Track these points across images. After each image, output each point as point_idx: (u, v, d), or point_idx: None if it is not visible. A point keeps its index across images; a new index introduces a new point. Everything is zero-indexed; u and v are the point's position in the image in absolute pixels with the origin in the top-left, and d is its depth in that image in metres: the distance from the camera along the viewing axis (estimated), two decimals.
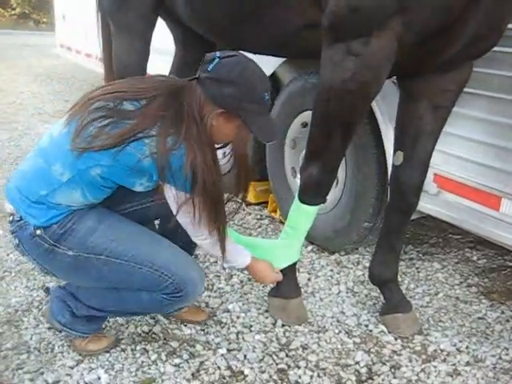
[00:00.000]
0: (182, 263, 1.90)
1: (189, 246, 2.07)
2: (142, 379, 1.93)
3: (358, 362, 2.07)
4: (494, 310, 2.47)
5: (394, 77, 2.18)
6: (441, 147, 2.37)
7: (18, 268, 2.68)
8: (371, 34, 1.72)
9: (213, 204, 1.76)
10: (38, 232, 1.82)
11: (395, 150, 2.17)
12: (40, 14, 21.01)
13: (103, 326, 2.14)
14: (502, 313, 2.44)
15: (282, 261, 2.24)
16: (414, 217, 2.59)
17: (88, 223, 1.83)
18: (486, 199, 2.29)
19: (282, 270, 2.27)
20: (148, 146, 1.65)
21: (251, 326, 2.27)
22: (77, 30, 7.13)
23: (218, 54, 1.70)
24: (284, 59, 3.11)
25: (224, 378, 1.95)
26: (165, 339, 2.14)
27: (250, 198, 3.27)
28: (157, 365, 2.00)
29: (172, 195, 1.76)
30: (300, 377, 1.97)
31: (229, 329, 2.24)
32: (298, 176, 3.00)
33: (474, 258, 3.00)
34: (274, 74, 3.36)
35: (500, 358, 2.12)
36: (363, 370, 2.03)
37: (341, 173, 2.82)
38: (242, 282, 2.62)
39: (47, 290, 2.23)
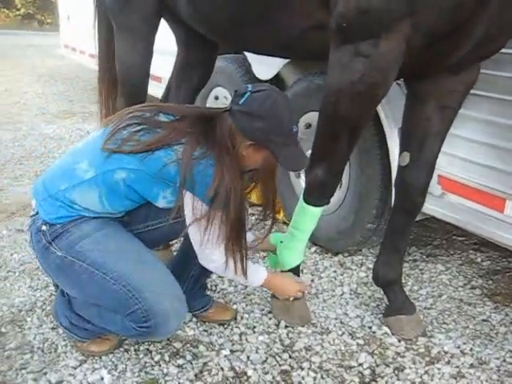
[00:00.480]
0: (159, 291, 1.80)
1: (203, 272, 2.13)
2: (145, 380, 1.93)
3: (361, 364, 2.06)
4: (498, 312, 2.46)
5: (399, 79, 2.17)
6: (445, 149, 2.36)
7: (22, 268, 2.69)
8: (380, 35, 1.71)
9: (233, 225, 1.77)
10: (44, 228, 1.84)
11: (401, 151, 2.16)
12: (44, 15, 21.09)
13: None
14: (506, 315, 2.43)
15: (286, 262, 2.24)
16: (417, 218, 2.58)
17: (85, 228, 1.83)
18: (491, 201, 2.28)
19: (283, 272, 2.28)
20: (175, 152, 1.71)
21: (254, 326, 2.27)
22: (81, 30, 7.14)
23: (249, 87, 1.76)
24: (288, 60, 3.11)
25: (227, 379, 1.95)
26: (168, 340, 2.14)
27: (253, 198, 3.27)
28: (160, 365, 2.00)
29: (190, 204, 1.75)
30: (303, 378, 1.97)
31: (232, 330, 2.24)
32: (302, 177, 3.01)
33: (478, 259, 2.99)
34: (278, 75, 3.36)
35: (504, 361, 2.11)
36: (366, 372, 2.02)
37: (345, 174, 2.81)
38: None
39: (57, 285, 2.22)
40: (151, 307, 1.77)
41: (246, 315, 2.35)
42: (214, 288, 2.55)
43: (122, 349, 2.08)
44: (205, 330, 2.23)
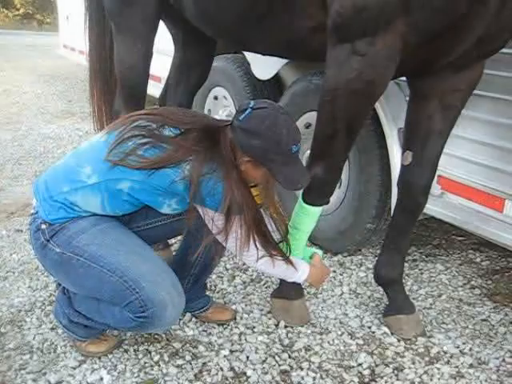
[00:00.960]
0: (156, 281, 1.81)
1: (204, 270, 2.16)
2: (145, 380, 1.93)
3: (360, 364, 2.06)
4: (498, 312, 2.46)
5: (398, 78, 2.17)
6: (445, 149, 2.36)
7: (21, 268, 2.69)
8: (376, 33, 1.72)
9: (255, 228, 1.81)
10: (43, 226, 1.85)
11: (404, 150, 2.16)
12: (43, 15, 21.09)
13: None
14: (506, 315, 2.43)
15: None
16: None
17: (82, 224, 1.84)
18: (490, 201, 2.29)
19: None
20: (183, 170, 1.72)
21: (254, 327, 2.27)
22: (80, 30, 7.12)
23: (251, 103, 1.76)
24: (287, 60, 3.11)
25: (227, 379, 1.95)
26: (167, 340, 2.14)
27: (256, 199, 3.26)
28: (159, 366, 2.00)
29: (207, 217, 1.80)
30: (303, 378, 1.97)
31: (231, 330, 2.24)
32: None
33: (478, 259, 2.99)
34: (277, 75, 3.37)
35: (503, 361, 2.11)
36: (366, 372, 2.02)
37: (344, 174, 2.82)
38: (244, 282, 2.62)
39: (59, 285, 2.21)
40: (148, 297, 1.79)
41: (246, 315, 2.35)
42: (213, 288, 2.55)
43: (121, 349, 2.08)
44: (204, 330, 2.23)
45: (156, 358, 2.04)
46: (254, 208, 1.81)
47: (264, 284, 2.62)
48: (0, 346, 2.09)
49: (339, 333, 2.26)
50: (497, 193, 2.26)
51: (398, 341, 2.21)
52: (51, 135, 5.30)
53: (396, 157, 2.47)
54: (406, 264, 2.74)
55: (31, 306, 2.35)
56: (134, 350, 2.08)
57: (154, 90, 5.04)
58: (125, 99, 2.77)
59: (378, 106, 2.53)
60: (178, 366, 2.00)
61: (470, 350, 2.17)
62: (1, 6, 21.18)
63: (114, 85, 2.90)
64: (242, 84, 3.61)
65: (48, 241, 1.84)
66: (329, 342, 2.19)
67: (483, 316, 2.43)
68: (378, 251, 2.42)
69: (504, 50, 2.12)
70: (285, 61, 3.14)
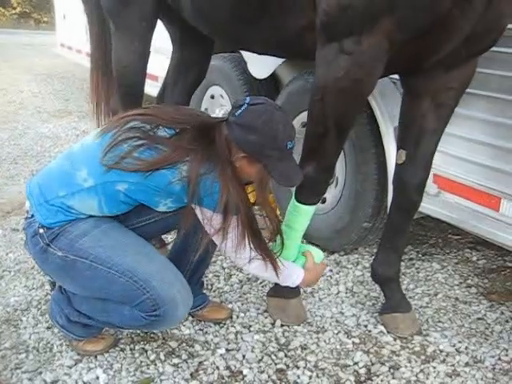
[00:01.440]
0: (165, 279, 1.83)
1: (200, 264, 2.16)
2: (141, 379, 1.93)
3: (356, 363, 2.06)
4: (494, 310, 2.46)
5: (394, 76, 2.18)
6: (440, 147, 2.36)
7: (18, 267, 2.68)
8: (362, 32, 1.74)
9: (248, 228, 1.80)
10: (41, 231, 1.84)
11: (398, 149, 2.16)
12: (41, 14, 21.03)
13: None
14: (502, 313, 2.44)
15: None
16: (413, 217, 2.59)
17: (82, 226, 1.84)
18: (486, 200, 2.29)
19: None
20: (179, 170, 1.71)
21: (250, 325, 2.27)
22: (77, 29, 7.12)
23: (247, 99, 1.77)
24: (284, 59, 3.11)
25: (223, 378, 1.95)
26: (164, 339, 2.14)
27: (250, 198, 3.26)
28: (155, 365, 2.00)
29: (205, 217, 1.79)
30: (299, 377, 1.97)
31: (228, 329, 2.24)
32: None
33: (474, 258, 2.99)
34: (274, 74, 3.36)
35: (499, 359, 2.12)
36: (362, 371, 2.02)
37: (340, 173, 2.82)
38: (241, 281, 2.62)
39: (53, 285, 2.22)
40: (159, 295, 1.80)
41: (242, 314, 2.35)
42: (209, 287, 2.55)
43: (117, 348, 2.08)
44: (200, 329, 2.23)
45: (152, 357, 2.03)
46: (248, 207, 1.82)
47: (260, 283, 2.61)
48: None
49: (335, 331, 2.26)
50: (493, 192, 2.26)
51: (394, 339, 2.22)
52: (48, 134, 5.29)
53: (392, 155, 2.47)
54: (402, 263, 2.74)
55: (27, 305, 2.35)
56: (130, 349, 2.08)
57: (151, 89, 5.04)
58: (122, 98, 2.77)
59: (374, 104, 2.54)
60: (174, 365, 2.00)
61: (466, 348, 2.17)
62: None
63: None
64: (239, 83, 3.61)
65: (48, 245, 1.83)
66: (325, 341, 2.19)
67: (479, 315, 2.43)
68: (375, 250, 2.42)
69: (501, 49, 2.13)
70: (281, 60, 3.13)
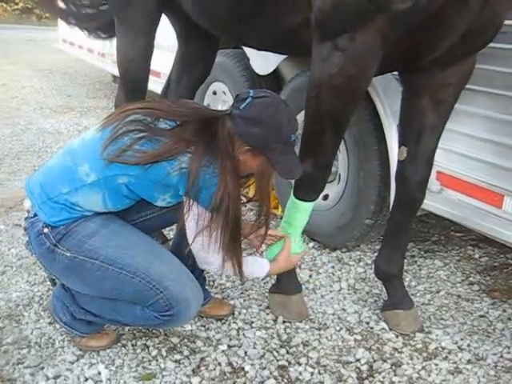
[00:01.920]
0: (178, 279, 1.83)
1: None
2: (143, 375, 1.93)
3: (358, 360, 2.06)
4: (496, 308, 2.46)
5: (386, 73, 2.18)
6: (443, 144, 2.36)
7: (20, 263, 2.68)
8: (355, 29, 1.74)
9: (232, 228, 1.79)
10: (46, 230, 1.82)
11: (399, 146, 2.16)
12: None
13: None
14: (504, 311, 2.43)
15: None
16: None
17: (91, 226, 1.83)
18: (489, 197, 2.28)
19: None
20: (179, 161, 1.70)
21: (252, 322, 2.27)
22: None
23: (251, 93, 1.76)
24: (286, 55, 3.10)
25: (225, 375, 1.95)
26: (165, 335, 2.14)
27: (251, 193, 3.26)
28: (157, 360, 2.00)
29: (194, 213, 1.77)
30: (301, 373, 1.97)
31: (229, 325, 2.24)
32: None
33: (476, 255, 2.99)
34: (276, 70, 3.36)
35: (501, 357, 2.11)
36: (364, 368, 2.02)
37: (343, 169, 2.82)
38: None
39: (53, 281, 2.21)
40: (173, 295, 1.80)
41: (244, 310, 2.34)
42: (211, 283, 2.55)
43: (119, 344, 2.08)
44: (202, 326, 2.22)
45: (154, 353, 2.03)
46: (239, 208, 1.80)
47: (262, 279, 2.61)
48: None
49: (337, 328, 2.26)
50: (496, 189, 2.25)
51: (396, 336, 2.21)
52: (50, 130, 5.29)
53: (395, 152, 2.46)
54: (404, 260, 2.75)
55: (29, 301, 2.35)
56: (132, 345, 2.08)
57: (154, 85, 5.03)
58: (125, 93, 2.77)
59: (376, 100, 2.53)
60: (176, 361, 2.00)
61: (468, 345, 2.17)
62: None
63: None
64: (242, 79, 3.60)
65: (55, 245, 1.82)
66: (327, 338, 2.19)
67: (481, 312, 2.43)
68: (377, 247, 2.42)
69: (505, 46, 2.12)
70: (284, 56, 3.13)
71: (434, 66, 1.95)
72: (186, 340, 2.13)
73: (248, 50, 3.44)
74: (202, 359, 2.02)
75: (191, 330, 2.19)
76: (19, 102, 6.56)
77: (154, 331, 2.16)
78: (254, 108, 1.73)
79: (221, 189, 1.71)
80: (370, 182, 2.66)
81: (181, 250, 2.12)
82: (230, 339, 2.15)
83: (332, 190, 2.91)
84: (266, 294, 2.43)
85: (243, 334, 2.18)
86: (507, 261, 2.93)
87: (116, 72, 5.66)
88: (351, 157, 2.73)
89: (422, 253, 2.99)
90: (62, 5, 3.30)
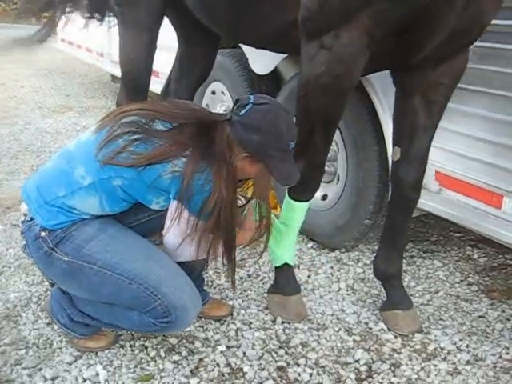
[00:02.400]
0: (176, 285, 1.82)
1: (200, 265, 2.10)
2: (141, 375, 1.92)
3: (357, 360, 2.06)
4: (495, 308, 2.46)
5: (375, 72, 2.19)
6: (442, 144, 2.36)
7: (18, 263, 2.67)
8: (340, 27, 1.75)
9: (225, 238, 1.79)
10: (43, 234, 1.81)
11: (393, 146, 2.17)
12: None
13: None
14: (503, 311, 2.43)
15: (277, 258, 2.28)
16: (414, 214, 2.58)
17: (88, 231, 1.82)
18: (488, 197, 2.28)
19: (277, 268, 2.29)
20: (172, 164, 1.69)
21: (251, 323, 2.26)
22: (78, 24, 7.09)
23: (251, 99, 1.75)
24: (286, 55, 3.09)
25: (223, 375, 1.95)
26: (164, 336, 2.13)
27: (250, 194, 3.25)
28: (155, 361, 1.99)
29: (182, 217, 1.75)
30: (299, 374, 1.97)
31: (228, 326, 2.24)
32: None
33: (475, 256, 2.98)
34: (275, 70, 3.35)
35: (500, 357, 2.11)
36: (363, 368, 2.02)
37: (342, 170, 2.81)
38: (241, 278, 2.61)
39: (51, 282, 2.20)
40: (171, 302, 1.79)
41: (243, 311, 2.34)
42: (210, 284, 2.55)
43: (117, 345, 2.07)
44: (201, 326, 2.22)
45: (152, 354, 2.03)
46: (232, 215, 1.78)
47: (261, 280, 2.61)
48: None
49: (336, 329, 2.25)
50: (495, 189, 2.25)
51: (395, 337, 2.21)
52: (48, 130, 5.27)
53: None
54: (403, 260, 2.74)
55: (27, 301, 2.34)
56: (131, 346, 2.07)
57: (153, 85, 5.01)
58: (127, 91, 2.75)
59: (375, 100, 2.53)
60: (174, 362, 2.00)
61: (467, 346, 2.17)
62: None
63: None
64: (240, 79, 3.59)
65: (53, 249, 1.81)
66: (326, 339, 2.18)
67: (480, 312, 2.42)
68: (376, 247, 2.41)
69: (503, 46, 2.12)
70: (283, 56, 3.12)
71: (424, 65, 1.96)
72: (184, 341, 2.12)
73: (247, 50, 3.43)
74: (201, 360, 2.02)
75: (190, 331, 2.18)
76: (18, 101, 6.54)
77: None
78: (254, 115, 1.71)
79: (214, 196, 1.70)
80: (368, 182, 2.66)
81: None
82: (229, 340, 2.14)
83: (331, 190, 2.91)
84: (265, 295, 2.43)
85: (242, 335, 2.18)
86: (506, 261, 2.93)
87: (115, 71, 5.67)
88: (350, 157, 2.72)
89: (421, 253, 2.99)
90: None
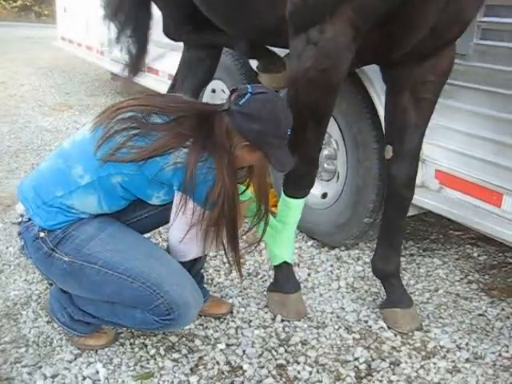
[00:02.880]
0: (178, 283, 1.82)
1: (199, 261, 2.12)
2: (141, 374, 1.92)
3: (357, 358, 2.06)
4: (495, 306, 2.46)
5: (360, 67, 2.20)
6: (442, 143, 2.36)
7: (18, 261, 2.68)
8: (324, 21, 1.76)
9: (229, 227, 1.80)
10: (42, 234, 1.81)
11: (385, 144, 2.17)
12: (41, 7, 20.98)
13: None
14: (503, 310, 2.43)
15: (275, 256, 2.28)
16: (414, 212, 2.58)
17: (88, 230, 1.82)
18: (488, 196, 2.28)
19: (276, 266, 2.29)
20: (173, 156, 1.69)
21: (250, 321, 2.26)
22: (78, 22, 7.11)
23: (249, 88, 1.76)
24: (286, 52, 3.09)
25: (223, 373, 1.95)
26: (164, 334, 2.14)
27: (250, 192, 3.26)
28: (155, 359, 2.00)
29: (187, 208, 1.76)
30: (299, 372, 1.97)
31: (228, 324, 2.24)
32: None
33: (475, 254, 2.98)
34: None
35: (500, 355, 2.11)
36: (362, 366, 2.02)
37: (342, 168, 2.81)
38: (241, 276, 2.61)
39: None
40: (173, 300, 1.79)
41: (242, 309, 2.34)
42: (210, 282, 2.55)
43: (117, 343, 2.07)
44: (200, 324, 2.22)
45: (152, 352, 2.03)
46: (235, 204, 1.79)
47: (261, 278, 2.61)
48: None
49: (336, 327, 2.25)
50: (495, 188, 2.25)
51: (395, 335, 2.21)
52: (49, 128, 5.27)
53: None
54: (403, 258, 2.75)
55: (27, 299, 2.34)
56: (130, 344, 2.07)
57: (153, 82, 5.02)
58: None
59: (375, 98, 2.52)
60: (174, 360, 2.00)
61: (467, 344, 2.17)
62: None
63: None
64: (240, 77, 3.59)
65: (53, 250, 1.80)
66: (325, 337, 2.19)
67: (480, 311, 2.42)
68: (376, 245, 2.41)
69: (504, 44, 2.12)
70: (283, 53, 3.11)
71: (409, 62, 1.97)
72: (184, 339, 2.12)
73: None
74: (201, 358, 2.02)
75: (189, 329, 2.18)
76: (18, 99, 6.54)
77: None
78: (253, 104, 1.73)
79: (218, 184, 1.71)
80: (368, 180, 2.66)
81: None
82: (229, 338, 2.14)
83: (331, 188, 2.91)
84: (265, 293, 2.43)
85: (241, 333, 2.18)
86: (506, 259, 2.93)
87: (115, 70, 5.66)
88: (350, 155, 2.72)
89: (421, 251, 2.99)
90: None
